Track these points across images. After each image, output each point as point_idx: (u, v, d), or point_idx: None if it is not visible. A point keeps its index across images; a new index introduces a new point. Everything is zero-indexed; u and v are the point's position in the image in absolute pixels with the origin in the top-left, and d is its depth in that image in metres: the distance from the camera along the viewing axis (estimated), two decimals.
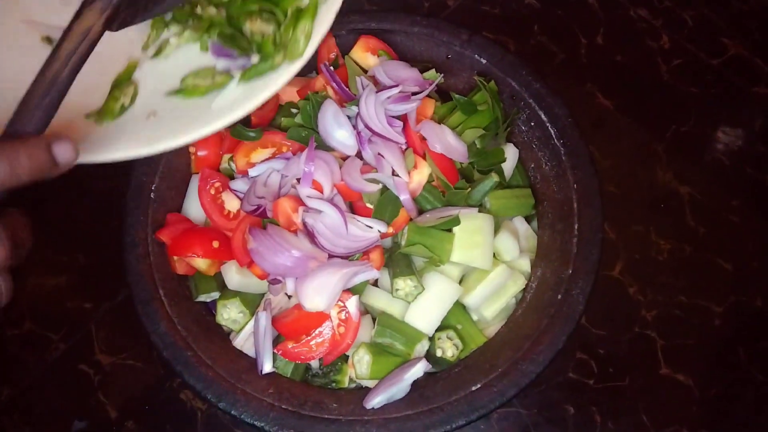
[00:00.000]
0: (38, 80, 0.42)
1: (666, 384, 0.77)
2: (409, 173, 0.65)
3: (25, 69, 0.51)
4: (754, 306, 0.80)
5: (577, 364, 0.78)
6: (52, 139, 0.42)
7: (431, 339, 0.66)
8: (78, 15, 0.44)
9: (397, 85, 0.66)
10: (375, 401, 0.62)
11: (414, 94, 0.69)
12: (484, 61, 0.72)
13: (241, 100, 0.50)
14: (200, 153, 0.70)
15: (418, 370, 0.63)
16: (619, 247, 0.83)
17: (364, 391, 0.66)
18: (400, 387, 0.63)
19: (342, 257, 0.63)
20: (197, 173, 0.71)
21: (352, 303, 0.63)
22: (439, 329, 0.66)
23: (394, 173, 0.65)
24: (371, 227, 0.63)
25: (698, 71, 0.92)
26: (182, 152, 0.72)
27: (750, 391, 0.76)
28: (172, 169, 0.71)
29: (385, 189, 0.65)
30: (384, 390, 0.62)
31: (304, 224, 0.63)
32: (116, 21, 0.45)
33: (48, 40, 0.56)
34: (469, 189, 0.67)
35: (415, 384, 0.64)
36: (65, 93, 0.43)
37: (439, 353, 0.66)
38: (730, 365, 0.78)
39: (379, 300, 0.66)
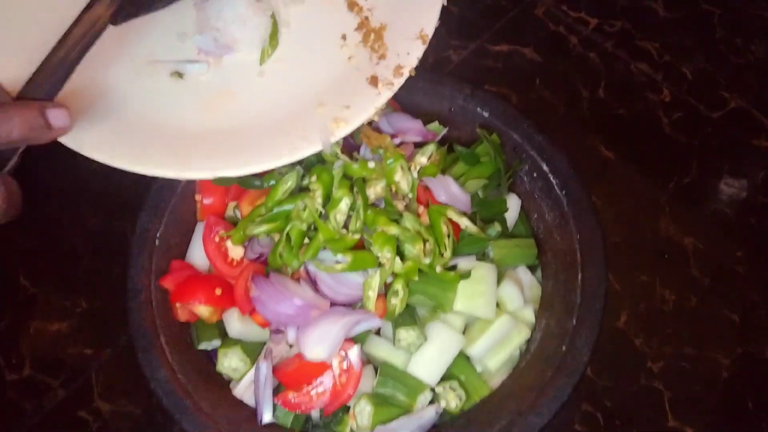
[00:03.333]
0: (50, 58, 0.48)
1: None
2: None
3: (160, 106, 0.58)
4: (762, 357, 0.79)
5: (582, 417, 0.76)
6: (47, 104, 0.47)
7: (434, 390, 0.66)
8: (88, 6, 0.50)
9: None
10: None
11: (416, 144, 0.70)
12: (486, 114, 0.74)
13: None
14: (206, 201, 0.71)
15: (430, 411, 0.63)
16: (624, 298, 0.82)
17: None
18: (408, 427, 0.62)
19: (344, 305, 0.63)
20: (202, 221, 0.71)
21: (353, 352, 0.63)
22: (442, 380, 0.66)
23: None
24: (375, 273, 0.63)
25: (699, 124, 0.93)
26: (188, 199, 0.72)
27: None
28: (178, 216, 0.71)
29: None
30: (394, 428, 0.62)
31: (307, 272, 0.63)
32: (121, 15, 0.51)
33: (178, 74, 0.61)
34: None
35: None
36: (72, 71, 0.49)
37: (442, 404, 0.65)
38: (739, 417, 0.76)
39: (381, 350, 0.66)
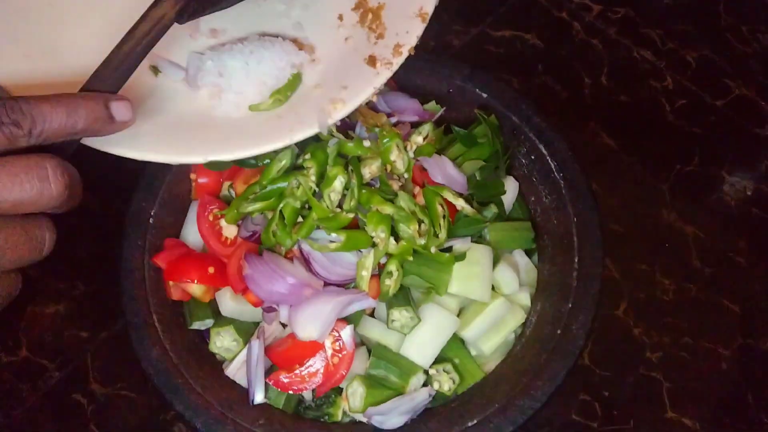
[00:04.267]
0: (115, 52, 0.49)
1: (672, 428, 0.74)
2: None
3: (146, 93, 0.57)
4: (762, 349, 0.78)
5: (580, 406, 0.76)
6: (111, 96, 0.47)
7: (427, 372, 0.65)
8: (155, 3, 0.50)
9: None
10: (374, 416, 0.62)
11: (413, 124, 0.70)
12: (485, 95, 0.73)
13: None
14: (201, 180, 0.71)
15: (423, 393, 0.62)
16: (624, 287, 0.81)
17: (357, 426, 0.64)
18: (401, 409, 0.61)
19: (337, 285, 0.63)
20: (197, 200, 0.71)
21: (346, 332, 0.62)
22: (436, 362, 0.65)
23: None
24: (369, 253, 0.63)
25: (702, 112, 0.92)
26: (183, 179, 0.72)
27: None
28: (173, 195, 0.71)
29: None
30: (386, 409, 0.61)
31: (300, 250, 0.62)
32: (187, 13, 0.52)
33: (154, 69, 0.59)
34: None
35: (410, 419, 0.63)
36: (136, 67, 0.50)
37: (435, 386, 0.64)
38: (738, 410, 0.75)
39: (374, 331, 0.65)
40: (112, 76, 0.48)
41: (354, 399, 0.63)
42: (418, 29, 0.57)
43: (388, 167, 0.65)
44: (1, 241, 0.42)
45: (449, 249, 0.65)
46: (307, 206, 0.63)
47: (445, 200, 0.65)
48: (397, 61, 0.56)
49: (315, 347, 0.63)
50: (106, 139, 0.51)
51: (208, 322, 0.68)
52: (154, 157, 0.54)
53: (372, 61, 0.57)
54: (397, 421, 0.62)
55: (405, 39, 0.57)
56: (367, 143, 0.64)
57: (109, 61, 0.48)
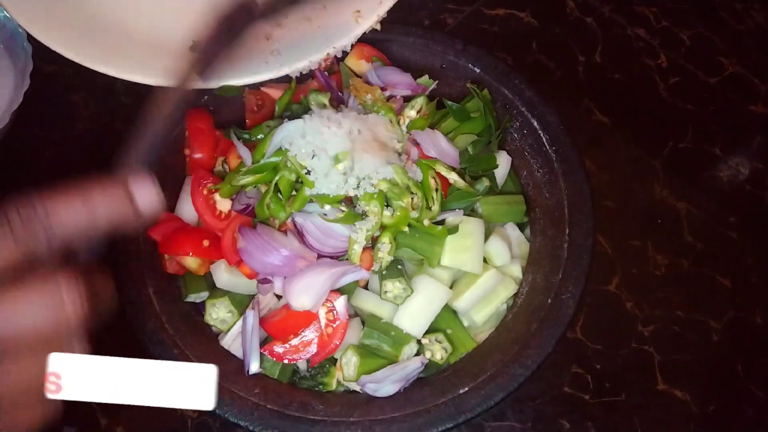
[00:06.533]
0: (140, 131, 0.47)
1: (663, 400, 0.75)
2: None
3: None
4: (753, 322, 0.79)
5: (572, 379, 0.76)
6: (132, 183, 0.40)
7: (420, 342, 0.66)
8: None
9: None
10: (368, 384, 0.63)
11: (406, 99, 0.70)
12: (477, 70, 0.73)
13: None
14: (195, 155, 0.71)
15: (416, 362, 0.63)
16: (616, 262, 0.82)
17: (351, 395, 0.65)
18: (393, 377, 0.62)
19: (331, 257, 0.63)
20: (191, 175, 0.71)
21: (340, 303, 0.63)
22: (429, 332, 0.66)
23: None
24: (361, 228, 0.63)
25: (696, 89, 0.92)
26: (177, 154, 0.72)
27: (749, 407, 0.75)
28: (167, 170, 0.71)
29: None
30: (379, 377, 0.62)
31: (294, 223, 0.63)
32: (207, 71, 0.53)
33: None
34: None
35: (403, 388, 0.64)
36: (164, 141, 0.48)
37: (428, 356, 0.65)
38: (728, 382, 0.76)
39: (367, 302, 0.66)
40: (139, 154, 0.45)
41: (348, 368, 0.64)
42: None
43: None
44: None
45: (442, 222, 0.66)
46: (300, 180, 0.63)
47: (438, 174, 0.65)
48: None
49: (309, 318, 0.63)
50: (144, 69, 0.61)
51: (204, 295, 0.69)
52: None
53: None
54: (390, 389, 0.63)
55: None
56: None
57: (135, 142, 0.45)
